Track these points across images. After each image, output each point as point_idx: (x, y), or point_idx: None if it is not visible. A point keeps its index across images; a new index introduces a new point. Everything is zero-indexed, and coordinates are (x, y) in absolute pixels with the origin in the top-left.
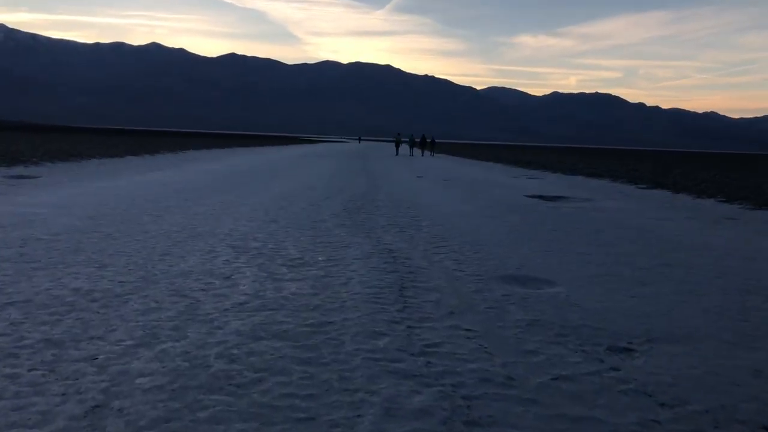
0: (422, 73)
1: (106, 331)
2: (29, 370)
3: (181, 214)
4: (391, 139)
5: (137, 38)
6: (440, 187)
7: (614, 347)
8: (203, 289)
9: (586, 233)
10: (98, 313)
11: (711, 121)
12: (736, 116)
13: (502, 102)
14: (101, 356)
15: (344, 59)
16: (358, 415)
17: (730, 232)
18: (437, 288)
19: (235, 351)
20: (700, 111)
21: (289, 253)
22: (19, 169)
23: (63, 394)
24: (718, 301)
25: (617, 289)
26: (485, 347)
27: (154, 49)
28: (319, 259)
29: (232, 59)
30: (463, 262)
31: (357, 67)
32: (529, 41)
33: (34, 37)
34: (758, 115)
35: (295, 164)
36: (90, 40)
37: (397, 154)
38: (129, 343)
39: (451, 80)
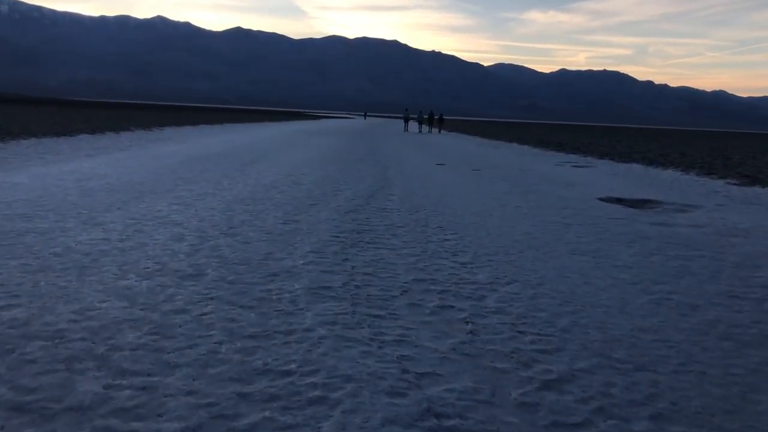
0: (429, 49)
1: None
2: None
3: (23, 258)
4: (397, 115)
5: (143, 11)
6: (472, 183)
7: None
8: None
9: None
10: None
11: (720, 99)
12: (745, 95)
13: (509, 78)
14: None
15: (351, 34)
16: None
17: None
18: None
19: None
20: (708, 89)
21: None
22: None
23: None
24: None
25: None
26: None
27: (160, 22)
28: None
29: (237, 33)
30: None
31: (364, 42)
32: (539, 17)
33: (38, 9)
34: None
35: (289, 144)
36: (95, 13)
37: (406, 130)
38: None
39: (458, 56)
